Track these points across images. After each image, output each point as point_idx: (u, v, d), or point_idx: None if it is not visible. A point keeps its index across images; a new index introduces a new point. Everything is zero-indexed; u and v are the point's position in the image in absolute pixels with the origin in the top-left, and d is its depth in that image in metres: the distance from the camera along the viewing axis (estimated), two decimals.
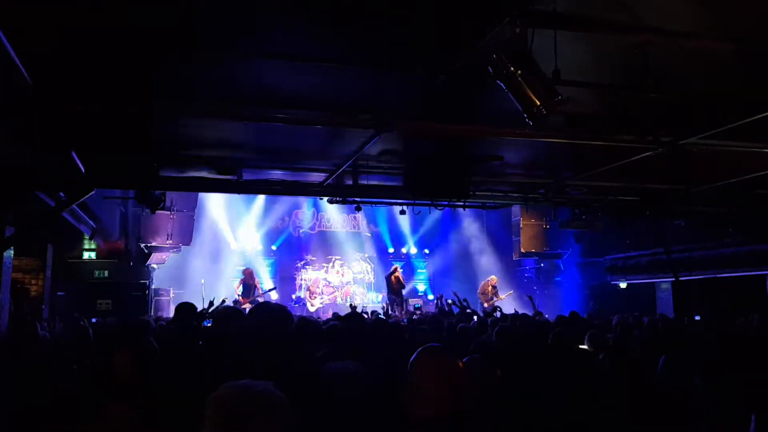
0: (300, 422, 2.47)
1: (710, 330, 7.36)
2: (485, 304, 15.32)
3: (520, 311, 10.87)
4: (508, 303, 15.62)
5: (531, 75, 4.16)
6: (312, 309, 16.26)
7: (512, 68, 4.14)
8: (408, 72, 5.56)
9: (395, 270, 15.81)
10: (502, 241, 17.81)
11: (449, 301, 12.57)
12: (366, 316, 9.81)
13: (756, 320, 7.81)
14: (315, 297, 16.97)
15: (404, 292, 15.53)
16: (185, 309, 5.64)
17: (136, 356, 2.74)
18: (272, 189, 10.38)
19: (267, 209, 17.54)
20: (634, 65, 5.50)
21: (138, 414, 2.53)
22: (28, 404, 2.92)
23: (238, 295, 14.57)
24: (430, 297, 17.60)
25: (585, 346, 5.64)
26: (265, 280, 17.17)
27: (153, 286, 14.39)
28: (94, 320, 9.60)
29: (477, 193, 10.23)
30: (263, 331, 2.97)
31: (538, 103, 4.20)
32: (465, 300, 12.04)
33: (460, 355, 2.56)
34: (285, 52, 5.19)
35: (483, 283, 16.11)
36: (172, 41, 4.96)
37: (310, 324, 4.91)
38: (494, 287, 15.84)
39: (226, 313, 4.41)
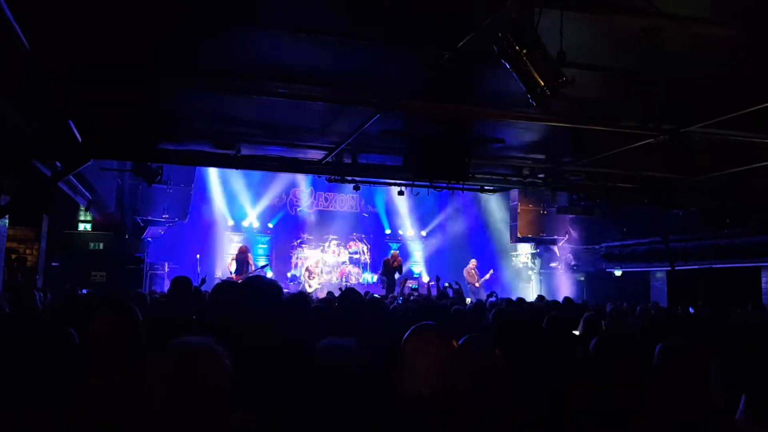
0: (297, 397, 2.47)
1: (706, 320, 7.39)
2: (476, 285, 15.74)
3: (514, 296, 10.92)
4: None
5: (536, 55, 4.11)
6: (310, 290, 16.22)
7: (517, 47, 4.08)
8: (413, 49, 5.49)
9: (393, 254, 15.99)
10: (498, 225, 17.83)
11: (447, 284, 12.59)
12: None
13: (750, 310, 7.86)
14: (314, 278, 16.84)
15: (397, 276, 15.54)
16: (181, 283, 5.60)
17: (114, 321, 2.73)
18: (270, 165, 10.32)
19: (264, 186, 17.47)
20: (639, 50, 5.46)
21: (119, 379, 2.52)
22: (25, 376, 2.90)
23: (231, 273, 14.58)
24: (425, 279, 17.64)
25: (577, 332, 5.65)
26: (261, 258, 17.16)
27: (148, 260, 14.38)
28: (84, 291, 9.59)
29: (476, 175, 10.20)
30: (255, 303, 2.95)
31: (543, 84, 4.15)
32: (457, 283, 12.12)
33: (456, 337, 2.54)
34: (288, 24, 5.11)
35: (465, 268, 16.63)
36: (173, 10, 4.89)
37: (304, 300, 4.88)
38: (475, 269, 16.53)
39: (222, 287, 4.40)
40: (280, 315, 2.95)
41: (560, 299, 9.53)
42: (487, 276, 16.48)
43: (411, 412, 2.17)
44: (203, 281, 10.25)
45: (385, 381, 2.68)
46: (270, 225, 17.99)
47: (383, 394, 2.56)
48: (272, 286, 3.05)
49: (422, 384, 2.17)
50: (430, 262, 19.23)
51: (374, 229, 19.21)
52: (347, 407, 2.68)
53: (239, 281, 12.21)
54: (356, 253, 18.89)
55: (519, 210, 15.60)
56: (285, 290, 3.64)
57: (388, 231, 19.29)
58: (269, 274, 15.32)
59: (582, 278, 16.63)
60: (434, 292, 12.31)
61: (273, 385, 2.49)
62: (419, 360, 2.21)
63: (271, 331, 2.93)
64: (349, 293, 4.82)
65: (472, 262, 16.71)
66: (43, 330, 4.10)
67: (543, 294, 12.80)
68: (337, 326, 4.04)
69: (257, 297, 2.90)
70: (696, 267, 12.86)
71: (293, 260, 18.07)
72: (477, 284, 16.10)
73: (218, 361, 1.79)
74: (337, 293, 9.22)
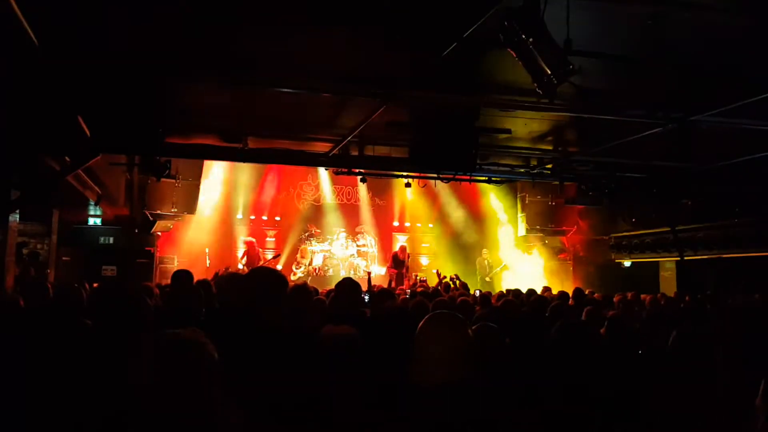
0: (297, 385, 2.47)
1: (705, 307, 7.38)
2: (487, 279, 15.63)
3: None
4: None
5: (542, 43, 4.09)
6: (294, 277, 16.27)
7: (523, 36, 4.06)
8: (417, 39, 5.47)
9: (401, 247, 15.99)
10: (506, 216, 17.76)
11: (450, 277, 12.60)
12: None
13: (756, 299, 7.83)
14: (300, 266, 16.88)
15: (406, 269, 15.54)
16: (180, 276, 5.49)
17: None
18: (277, 158, 10.36)
19: (272, 179, 17.49)
20: (647, 37, 5.42)
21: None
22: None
23: (241, 266, 14.68)
24: (432, 270, 17.62)
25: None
26: (269, 251, 17.18)
27: (157, 254, 14.45)
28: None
29: (483, 166, 10.18)
30: (259, 294, 2.96)
31: (549, 72, 4.13)
32: (457, 274, 12.16)
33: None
34: (292, 16, 5.10)
35: (478, 258, 16.57)
36: (180, 4, 4.90)
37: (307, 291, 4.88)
38: (488, 261, 16.41)
39: (225, 279, 4.42)
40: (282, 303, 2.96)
41: (567, 290, 9.50)
42: (498, 269, 16.29)
43: (424, 401, 2.14)
44: (226, 271, 10.39)
45: (387, 370, 2.67)
46: (277, 218, 18.01)
47: (386, 382, 2.55)
48: (276, 275, 3.06)
49: (438, 372, 2.13)
50: (438, 254, 19.17)
51: (382, 221, 19.17)
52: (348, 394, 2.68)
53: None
54: (364, 245, 18.88)
55: (526, 201, 15.55)
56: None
57: (395, 223, 19.26)
58: (276, 263, 15.33)
59: (591, 269, 16.56)
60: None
61: (273, 375, 2.49)
62: (436, 347, 2.17)
63: (274, 319, 2.94)
64: (346, 284, 4.71)
65: (485, 253, 16.63)
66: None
67: (546, 286, 12.66)
68: (335, 318, 4.00)
69: (261, 286, 2.91)
70: (705, 257, 12.78)
71: (301, 253, 18.08)
72: (488, 278, 15.90)
73: (205, 353, 1.83)
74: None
